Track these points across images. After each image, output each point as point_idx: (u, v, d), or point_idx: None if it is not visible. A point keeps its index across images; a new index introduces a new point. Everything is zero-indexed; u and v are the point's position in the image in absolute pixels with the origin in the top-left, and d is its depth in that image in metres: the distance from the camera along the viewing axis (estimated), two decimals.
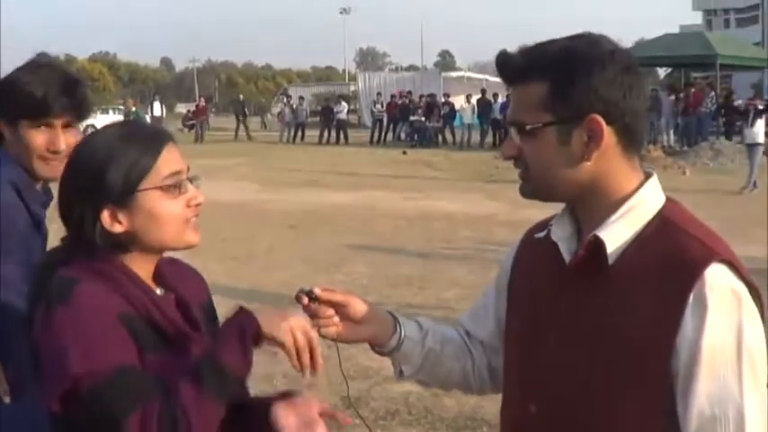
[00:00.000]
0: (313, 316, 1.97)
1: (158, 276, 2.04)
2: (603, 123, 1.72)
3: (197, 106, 44.76)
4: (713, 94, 30.77)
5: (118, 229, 1.90)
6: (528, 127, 1.78)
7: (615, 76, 1.73)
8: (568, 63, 1.73)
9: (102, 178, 1.88)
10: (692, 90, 30.65)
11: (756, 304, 1.68)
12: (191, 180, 1.98)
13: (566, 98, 1.73)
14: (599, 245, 1.75)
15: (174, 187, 1.93)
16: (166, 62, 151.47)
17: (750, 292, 1.68)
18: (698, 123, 29.75)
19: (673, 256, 1.69)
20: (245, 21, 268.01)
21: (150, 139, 1.95)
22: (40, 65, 2.88)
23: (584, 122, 1.73)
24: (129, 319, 1.84)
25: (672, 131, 31.18)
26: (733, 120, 31.23)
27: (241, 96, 48.86)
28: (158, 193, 1.91)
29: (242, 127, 42.20)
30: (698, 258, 1.67)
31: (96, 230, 1.89)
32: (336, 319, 2.00)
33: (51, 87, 2.78)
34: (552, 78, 1.74)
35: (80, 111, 2.84)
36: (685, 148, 28.06)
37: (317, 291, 1.96)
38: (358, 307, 2.02)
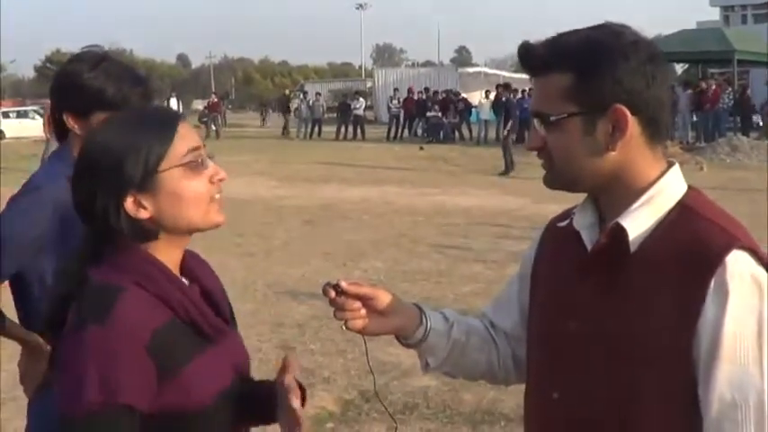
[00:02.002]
0: (340, 309, 1.98)
1: (183, 266, 2.01)
2: (628, 113, 1.73)
3: (209, 103, 44.57)
4: (730, 89, 30.62)
5: (143, 215, 1.85)
6: (552, 118, 1.78)
7: (639, 65, 1.73)
8: (592, 53, 1.74)
9: (121, 166, 1.83)
10: (712, 86, 30.39)
11: None
12: (209, 157, 1.94)
13: (590, 89, 1.74)
14: (621, 232, 1.76)
15: (195, 163, 1.89)
16: (183, 59, 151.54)
17: None
18: (715, 119, 29.60)
19: (694, 242, 1.70)
20: (261, 17, 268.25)
21: (163, 120, 1.92)
22: (101, 58, 2.89)
23: (608, 112, 1.74)
24: (166, 332, 1.81)
25: (689, 127, 31.03)
26: (749, 116, 31.09)
27: (287, 91, 47.72)
28: (180, 172, 1.87)
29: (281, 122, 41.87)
30: (719, 245, 1.68)
31: (122, 220, 1.85)
32: (363, 311, 2.00)
33: (123, 81, 2.82)
34: (576, 69, 1.74)
35: (152, 101, 2.88)
36: (702, 143, 27.91)
37: (344, 284, 1.96)
38: (384, 299, 2.02)
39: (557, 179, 1.86)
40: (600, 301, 1.80)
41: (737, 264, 1.66)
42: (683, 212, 1.77)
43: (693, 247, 1.70)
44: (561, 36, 1.82)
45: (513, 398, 5.85)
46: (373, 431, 5.73)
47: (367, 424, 5.86)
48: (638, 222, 1.77)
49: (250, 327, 8.18)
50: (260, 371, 7.82)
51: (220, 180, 1.94)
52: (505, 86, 26.83)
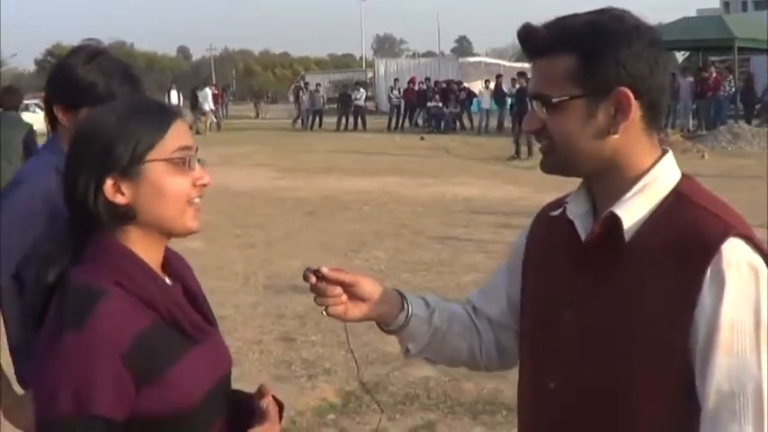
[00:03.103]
0: (321, 295, 1.97)
1: (165, 264, 2.00)
2: (632, 96, 1.72)
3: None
4: (731, 77, 30.56)
5: (120, 200, 1.84)
6: (554, 100, 1.76)
7: (642, 50, 1.73)
8: (596, 36, 1.73)
9: (110, 148, 1.83)
10: (713, 74, 30.29)
11: None
12: (198, 161, 1.93)
13: (594, 71, 1.72)
14: (615, 222, 1.75)
15: (181, 162, 1.88)
16: (183, 51, 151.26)
17: None
18: (716, 107, 29.54)
19: (689, 231, 1.69)
20: (261, 9, 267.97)
21: (160, 113, 1.92)
22: (95, 53, 2.87)
23: (611, 96, 1.72)
24: (150, 335, 1.80)
25: (690, 115, 30.97)
26: (753, 103, 31.04)
27: (302, 82, 47.06)
28: (165, 166, 1.86)
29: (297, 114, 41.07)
30: (715, 233, 1.66)
31: (98, 201, 1.84)
32: (344, 297, 1.99)
33: (114, 78, 2.81)
34: (580, 51, 1.73)
35: None
36: (704, 131, 27.86)
37: (325, 270, 1.96)
38: (366, 286, 2.01)
39: (555, 163, 1.84)
40: (595, 290, 1.79)
41: (734, 252, 1.65)
42: (678, 200, 1.76)
43: (689, 235, 1.68)
44: (563, 18, 1.80)
45: (513, 388, 5.79)
46: (374, 422, 5.72)
47: (368, 415, 5.86)
48: (632, 211, 1.76)
49: (251, 318, 8.19)
50: (260, 362, 7.80)
51: (203, 185, 1.93)
52: (521, 74, 26.81)
